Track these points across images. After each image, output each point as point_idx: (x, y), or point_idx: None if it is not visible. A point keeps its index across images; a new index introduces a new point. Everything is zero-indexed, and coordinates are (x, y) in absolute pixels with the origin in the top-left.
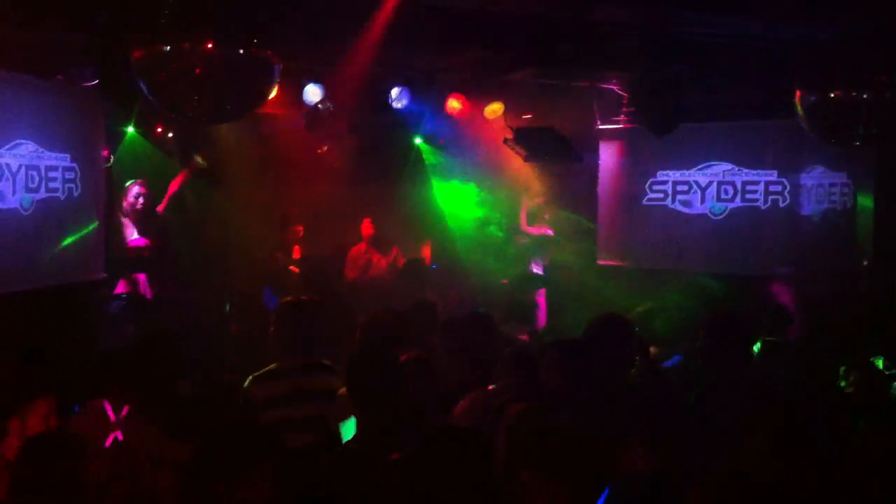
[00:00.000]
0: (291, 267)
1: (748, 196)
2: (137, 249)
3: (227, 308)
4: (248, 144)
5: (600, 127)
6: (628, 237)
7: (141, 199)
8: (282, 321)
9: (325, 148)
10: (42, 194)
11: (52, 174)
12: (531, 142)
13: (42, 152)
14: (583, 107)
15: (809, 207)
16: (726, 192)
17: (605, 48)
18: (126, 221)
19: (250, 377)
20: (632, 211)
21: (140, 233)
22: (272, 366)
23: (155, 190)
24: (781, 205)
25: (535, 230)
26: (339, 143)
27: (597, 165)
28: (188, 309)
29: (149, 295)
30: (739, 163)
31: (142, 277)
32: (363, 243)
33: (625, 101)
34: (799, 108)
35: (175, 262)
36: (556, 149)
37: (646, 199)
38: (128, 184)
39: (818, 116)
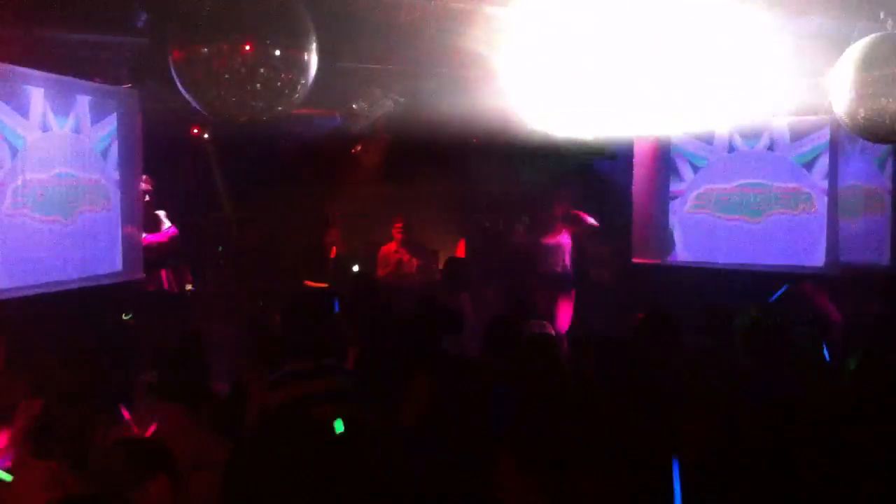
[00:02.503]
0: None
1: (786, 192)
2: (154, 247)
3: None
4: (282, 143)
5: None
6: (664, 235)
7: (146, 196)
8: (290, 322)
9: (359, 147)
10: (80, 194)
11: (90, 175)
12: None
13: (81, 153)
14: None
15: (848, 207)
16: (763, 188)
17: None
18: None
19: (264, 381)
20: (667, 208)
21: (146, 229)
22: (282, 370)
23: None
24: (819, 203)
25: (558, 237)
26: (373, 141)
27: (630, 162)
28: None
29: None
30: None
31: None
32: (393, 243)
33: None
34: (836, 105)
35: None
36: (590, 146)
37: (681, 196)
38: None
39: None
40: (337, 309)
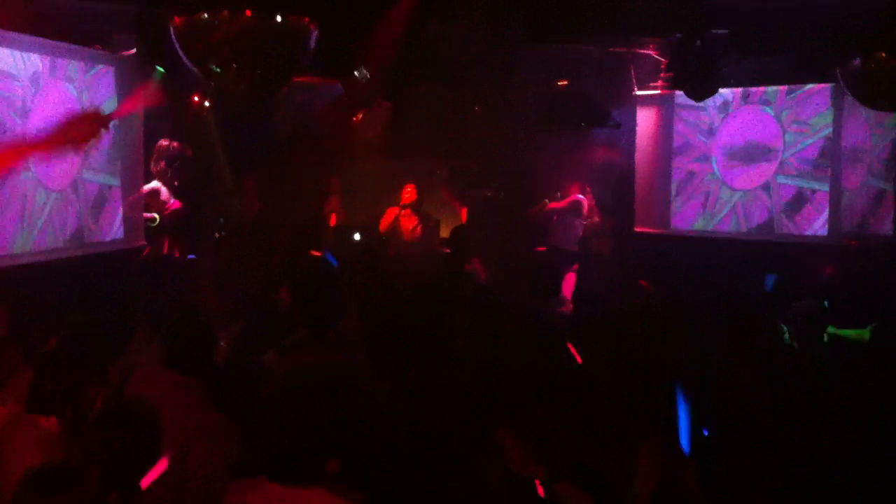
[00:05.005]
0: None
1: (788, 159)
2: (179, 212)
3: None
4: (283, 113)
5: (637, 93)
6: (667, 204)
7: (176, 162)
8: (297, 290)
9: (360, 116)
10: (80, 161)
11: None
12: (568, 110)
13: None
14: (619, 73)
15: (850, 173)
16: (766, 158)
17: (641, 13)
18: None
19: (271, 350)
20: (670, 177)
21: (176, 195)
22: (293, 337)
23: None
24: (822, 170)
25: (561, 203)
26: (374, 111)
27: (633, 131)
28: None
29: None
30: (780, 126)
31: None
32: (398, 206)
33: (662, 67)
34: (840, 72)
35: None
36: (593, 116)
37: (685, 165)
38: (164, 142)
39: (860, 81)
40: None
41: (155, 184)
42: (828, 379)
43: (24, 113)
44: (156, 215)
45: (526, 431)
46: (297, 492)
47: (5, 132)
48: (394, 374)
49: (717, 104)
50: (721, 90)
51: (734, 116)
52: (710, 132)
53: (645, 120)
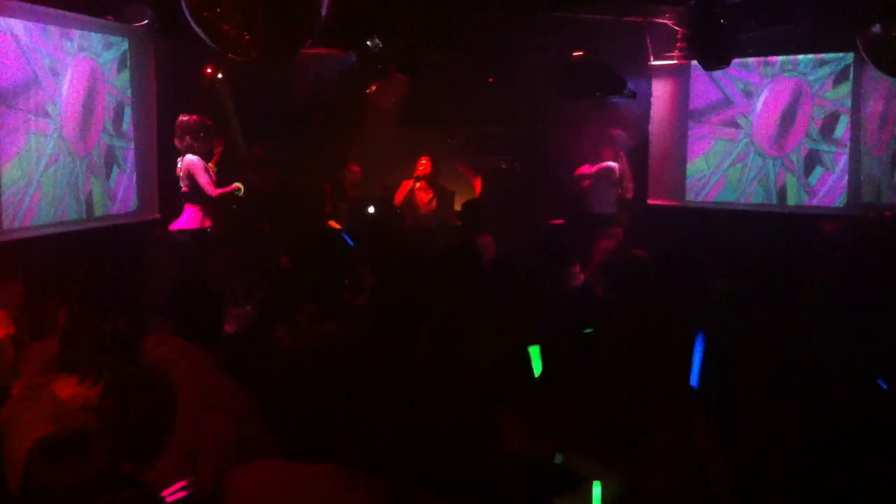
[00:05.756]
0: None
1: (807, 129)
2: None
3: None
4: (296, 85)
5: (653, 63)
6: (682, 176)
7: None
8: (304, 263)
9: (374, 87)
10: (96, 135)
11: (105, 115)
12: (584, 79)
13: (95, 92)
14: (635, 43)
15: (870, 141)
16: (784, 126)
17: None
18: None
19: (280, 324)
20: (686, 149)
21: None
22: (300, 311)
23: None
24: (841, 137)
25: (592, 168)
26: (389, 82)
27: (648, 102)
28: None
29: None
30: (798, 96)
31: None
32: (412, 179)
33: (678, 36)
34: (860, 40)
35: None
36: (610, 85)
37: (701, 135)
38: (184, 117)
39: (881, 48)
40: (351, 244)
41: (191, 157)
42: (829, 375)
43: (56, 73)
44: (240, 185)
45: (529, 409)
46: (305, 468)
47: (40, 87)
48: (402, 346)
49: (751, 73)
50: (752, 59)
51: (767, 86)
52: (747, 94)
53: (661, 90)
